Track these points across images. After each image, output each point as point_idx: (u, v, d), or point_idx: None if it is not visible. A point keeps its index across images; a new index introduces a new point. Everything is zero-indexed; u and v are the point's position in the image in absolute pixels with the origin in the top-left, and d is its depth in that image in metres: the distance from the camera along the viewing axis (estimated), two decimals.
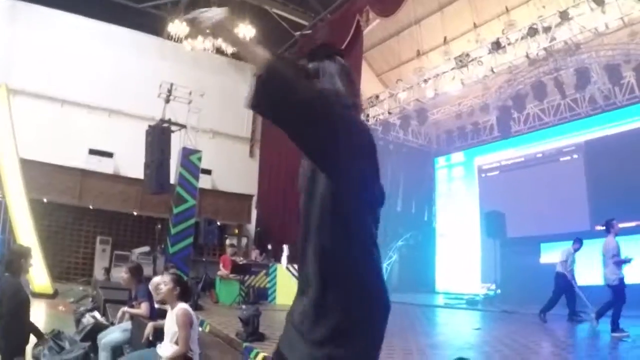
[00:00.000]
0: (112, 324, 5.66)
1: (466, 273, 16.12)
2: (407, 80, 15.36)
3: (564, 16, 10.66)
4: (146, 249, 14.55)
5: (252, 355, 5.98)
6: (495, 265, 13.73)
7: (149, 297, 5.40)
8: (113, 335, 5.19)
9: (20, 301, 3.98)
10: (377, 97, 16.09)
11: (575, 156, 13.95)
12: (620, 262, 8.00)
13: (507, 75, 13.54)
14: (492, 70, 12.69)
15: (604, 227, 8.48)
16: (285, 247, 13.40)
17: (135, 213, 16.29)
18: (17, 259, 4.19)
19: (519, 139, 15.32)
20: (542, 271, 13.00)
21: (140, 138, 14.21)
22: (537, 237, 13.79)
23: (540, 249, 13.79)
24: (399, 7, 13.00)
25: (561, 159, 14.30)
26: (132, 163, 15.26)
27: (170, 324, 4.09)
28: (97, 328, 6.08)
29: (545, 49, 11.52)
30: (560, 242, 12.86)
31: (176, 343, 3.98)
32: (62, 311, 9.35)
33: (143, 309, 5.24)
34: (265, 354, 5.75)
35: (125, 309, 5.47)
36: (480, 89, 14.86)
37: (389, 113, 15.90)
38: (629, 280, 11.19)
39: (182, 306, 4.11)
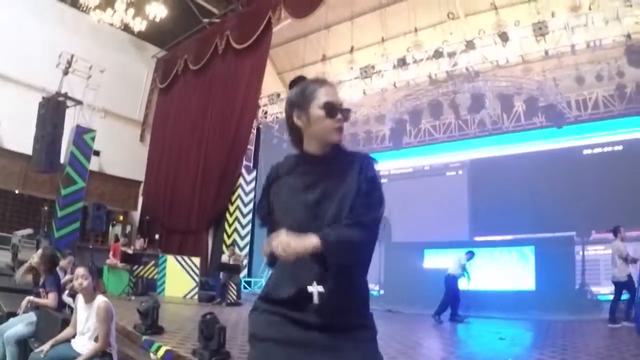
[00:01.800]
0: (11, 314, 5.29)
1: None
2: None
3: (470, 45, 11.68)
4: (29, 231, 13.36)
5: (153, 349, 5.91)
6: (379, 267, 14.51)
7: (58, 287, 5.16)
8: (17, 327, 4.84)
9: None
10: (278, 95, 16.21)
11: (460, 172, 15.24)
12: (634, 261, 8.80)
13: (406, 91, 14.25)
14: (394, 85, 13.44)
15: (612, 233, 9.19)
16: None
17: (17, 191, 14.79)
18: None
19: (409, 150, 16.29)
20: (425, 275, 14.03)
21: (28, 109, 13.08)
22: (421, 243, 14.74)
23: (424, 255, 14.74)
24: (313, 11, 13.39)
25: (447, 173, 15.53)
26: (17, 136, 13.78)
27: (86, 318, 3.98)
28: None
29: (447, 72, 12.49)
30: (443, 249, 14.04)
31: (96, 339, 3.90)
32: None
33: (51, 299, 4.98)
34: (167, 348, 5.74)
35: (32, 298, 5.16)
36: (377, 99, 15.51)
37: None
38: (500, 286, 12.70)
39: (103, 299, 4.02)
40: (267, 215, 1.99)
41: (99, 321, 3.84)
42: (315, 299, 1.67)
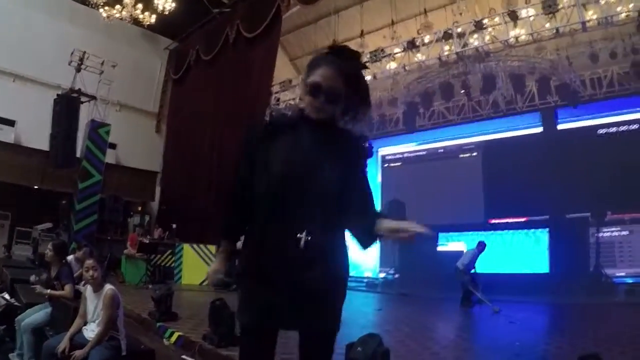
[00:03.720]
0: (28, 305, 5.48)
1: (366, 257, 16.84)
2: None
3: (479, 25, 11.48)
4: (48, 225, 13.80)
5: (167, 335, 6.09)
6: (394, 251, 14.52)
7: (72, 279, 5.33)
8: (33, 317, 5.01)
9: None
10: (290, 81, 16.23)
11: (474, 154, 15.04)
12: None
13: (417, 73, 14.05)
14: (404, 68, 13.31)
15: None
16: None
17: (36, 187, 15.28)
18: None
19: (422, 133, 16.08)
20: (439, 258, 13.99)
21: (45, 107, 13.51)
22: (436, 226, 14.50)
23: (439, 238, 14.67)
24: None
25: (461, 156, 15.35)
26: (35, 133, 14.32)
27: (95, 306, 4.09)
28: (10, 310, 5.87)
29: (457, 53, 12.28)
30: (458, 233, 14.00)
31: None
32: None
33: (67, 290, 5.14)
34: (180, 333, 5.90)
35: (49, 290, 5.33)
36: (390, 83, 15.31)
37: (300, 99, 16.03)
38: (514, 269, 12.63)
39: (110, 287, 4.14)
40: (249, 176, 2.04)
41: (104, 307, 3.96)
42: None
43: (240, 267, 2.02)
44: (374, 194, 2.11)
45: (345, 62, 1.99)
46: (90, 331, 4.01)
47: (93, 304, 4.11)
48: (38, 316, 5.00)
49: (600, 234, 11.93)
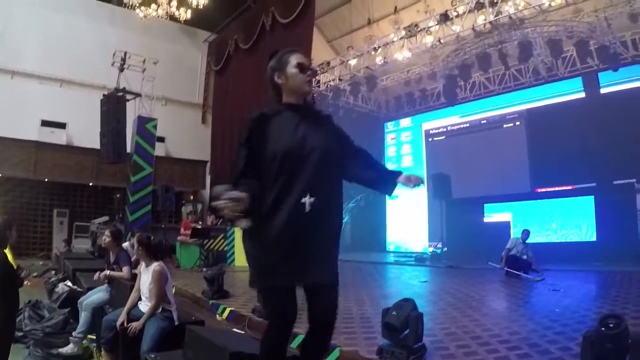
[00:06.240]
0: (90, 289, 5.92)
1: (414, 232, 16.93)
2: (357, 47, 15.61)
3: None
4: (105, 218, 14.53)
5: (219, 311, 6.48)
6: (441, 224, 14.53)
7: (130, 262, 5.76)
8: (94, 297, 5.47)
9: (9, 270, 4.18)
10: (328, 63, 16.28)
11: (517, 123, 14.73)
12: None
13: (453, 46, 13.80)
14: (439, 41, 13.15)
15: None
16: None
17: (91, 184, 16.14)
18: (2, 232, 4.34)
19: (464, 106, 15.94)
20: (485, 229, 13.93)
21: (92, 107, 14.19)
22: (481, 197, 14.53)
23: (484, 209, 14.59)
24: None
25: (504, 126, 15.07)
26: (85, 133, 15.13)
27: (145, 281, 4.49)
28: (73, 295, 6.39)
29: (490, 22, 12.03)
30: (503, 203, 13.84)
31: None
32: (28, 286, 9.41)
33: (125, 272, 5.58)
34: (232, 309, 6.26)
35: (108, 272, 5.74)
36: (428, 57, 15.08)
37: (340, 79, 16.13)
38: (562, 238, 12.40)
39: (157, 264, 4.54)
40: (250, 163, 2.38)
41: (152, 282, 4.39)
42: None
43: (251, 235, 2.36)
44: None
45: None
46: (145, 305, 4.42)
47: (144, 279, 4.53)
48: (98, 297, 5.48)
49: None
